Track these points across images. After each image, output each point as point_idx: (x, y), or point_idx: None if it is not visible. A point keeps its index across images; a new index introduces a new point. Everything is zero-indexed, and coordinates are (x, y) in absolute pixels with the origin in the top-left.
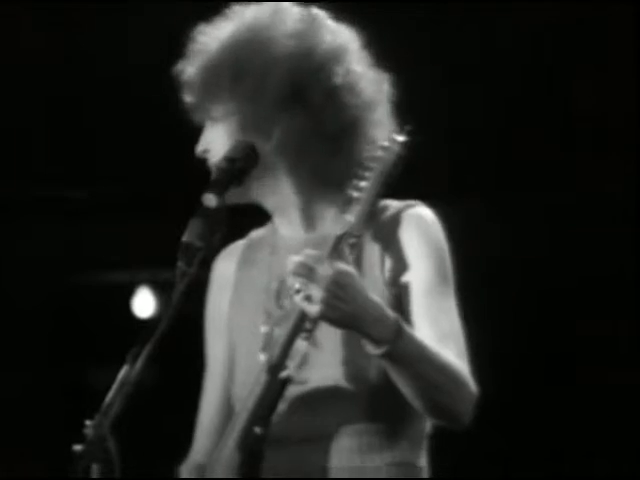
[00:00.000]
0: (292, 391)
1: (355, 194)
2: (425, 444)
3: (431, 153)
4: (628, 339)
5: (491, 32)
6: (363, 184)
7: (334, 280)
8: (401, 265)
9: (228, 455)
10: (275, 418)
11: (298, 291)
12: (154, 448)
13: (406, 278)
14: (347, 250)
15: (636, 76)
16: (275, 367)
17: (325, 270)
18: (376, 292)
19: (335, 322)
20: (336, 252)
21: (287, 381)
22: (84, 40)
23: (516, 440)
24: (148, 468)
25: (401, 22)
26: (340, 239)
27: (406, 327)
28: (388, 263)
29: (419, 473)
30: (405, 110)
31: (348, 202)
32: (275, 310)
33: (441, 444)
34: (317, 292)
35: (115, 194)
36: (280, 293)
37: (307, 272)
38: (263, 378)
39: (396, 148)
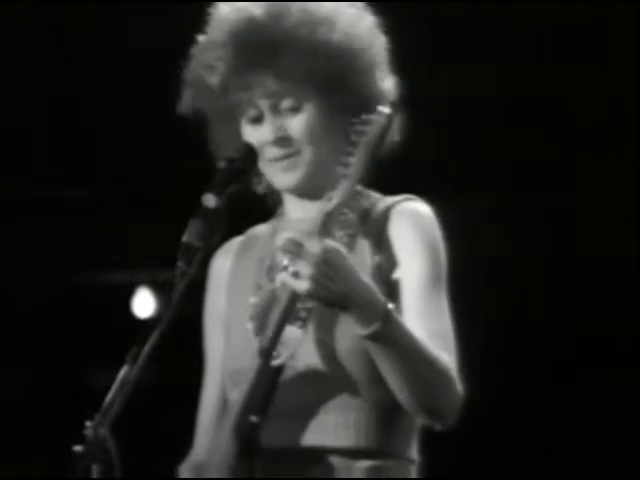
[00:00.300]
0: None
1: (343, 170)
2: (416, 436)
3: (431, 152)
4: (628, 339)
5: (491, 32)
6: (350, 160)
7: (323, 258)
8: (393, 259)
9: (224, 444)
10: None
11: (286, 268)
12: (154, 448)
13: (398, 275)
14: (345, 239)
15: (636, 76)
16: (267, 351)
17: (314, 247)
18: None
19: (324, 301)
20: (326, 230)
21: (281, 369)
22: (84, 40)
23: (513, 439)
24: (148, 468)
25: (402, 21)
26: (329, 216)
27: (394, 312)
28: (380, 255)
29: (409, 466)
30: (405, 109)
31: (337, 179)
32: (266, 283)
33: (439, 442)
34: (306, 269)
35: (115, 194)
36: (272, 267)
37: (296, 248)
38: (256, 364)
39: (382, 121)
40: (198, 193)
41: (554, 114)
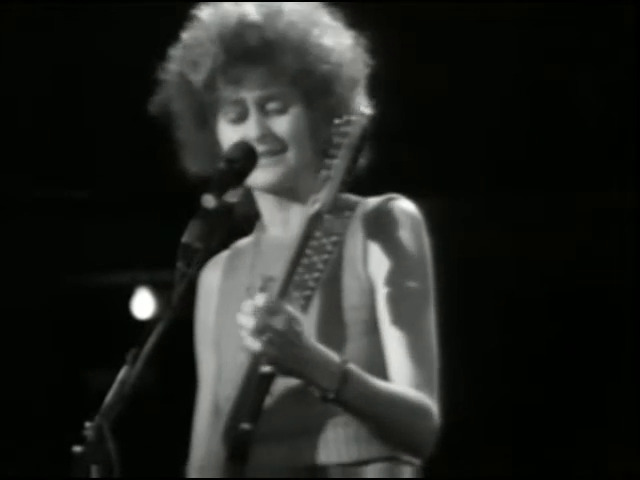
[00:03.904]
0: (276, 384)
1: (327, 173)
2: None
3: (430, 153)
4: (631, 339)
5: (490, 31)
6: (334, 162)
7: (288, 329)
8: (384, 270)
9: (216, 451)
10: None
11: (256, 333)
12: (154, 448)
13: (388, 288)
14: (329, 246)
15: (637, 76)
16: (255, 360)
17: (279, 316)
18: (358, 286)
19: (286, 370)
20: (310, 234)
21: (271, 376)
22: (86, 39)
23: (512, 438)
24: (148, 468)
25: (397, 22)
26: (314, 220)
27: (353, 370)
28: (371, 259)
29: (406, 468)
30: (405, 110)
31: (321, 182)
32: None
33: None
34: (273, 337)
35: (115, 194)
36: (263, 291)
37: (262, 318)
38: (245, 373)
39: (364, 121)
40: (198, 193)
41: (554, 114)
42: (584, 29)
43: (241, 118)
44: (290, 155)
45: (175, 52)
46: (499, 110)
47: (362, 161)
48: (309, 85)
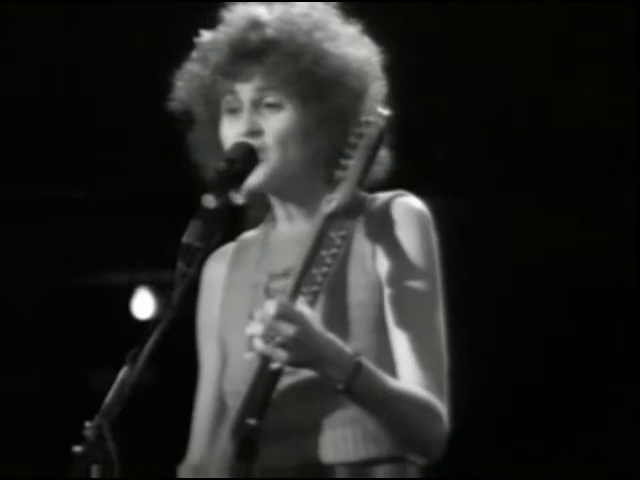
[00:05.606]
0: (282, 382)
1: (342, 173)
2: None
3: (431, 153)
4: (632, 340)
5: (490, 30)
6: (350, 162)
7: (299, 334)
8: (392, 267)
9: (223, 447)
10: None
11: (270, 338)
12: (154, 448)
13: (396, 286)
14: (337, 240)
15: (637, 76)
16: (265, 357)
17: (289, 326)
18: (365, 282)
19: (299, 365)
20: (323, 234)
21: (279, 373)
22: (86, 39)
23: (513, 438)
24: (148, 468)
25: (404, 21)
26: (330, 219)
27: (366, 364)
28: (380, 256)
29: (413, 469)
30: (407, 109)
31: (336, 182)
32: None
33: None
34: (284, 342)
35: (115, 194)
36: (269, 289)
37: (273, 324)
38: (254, 369)
39: (381, 123)
40: (198, 193)
41: (554, 114)
42: (584, 29)
43: (236, 112)
44: (272, 155)
45: (193, 53)
46: (499, 110)
47: (382, 169)
48: (303, 87)
